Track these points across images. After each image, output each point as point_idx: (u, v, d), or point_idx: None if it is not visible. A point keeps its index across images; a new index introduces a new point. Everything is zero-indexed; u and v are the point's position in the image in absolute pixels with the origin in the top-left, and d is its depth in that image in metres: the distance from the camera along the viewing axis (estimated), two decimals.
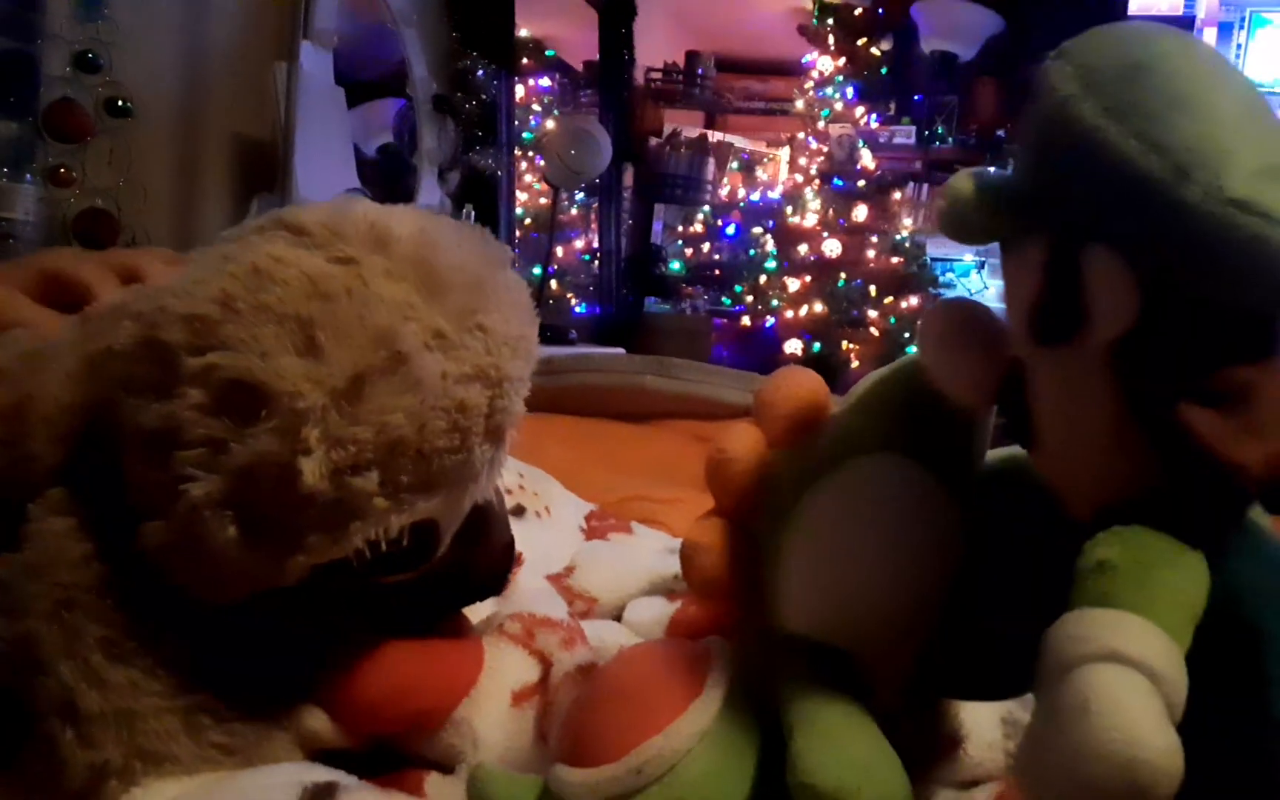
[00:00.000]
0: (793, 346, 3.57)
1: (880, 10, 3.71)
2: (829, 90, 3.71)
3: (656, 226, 4.12)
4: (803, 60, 3.80)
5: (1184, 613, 0.34)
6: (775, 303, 3.70)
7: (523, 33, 3.39)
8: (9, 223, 1.84)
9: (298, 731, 0.48)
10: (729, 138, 4.22)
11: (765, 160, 4.14)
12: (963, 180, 0.40)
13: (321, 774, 0.45)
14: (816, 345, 3.54)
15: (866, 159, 3.64)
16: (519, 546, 0.67)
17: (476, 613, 0.59)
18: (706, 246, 4.11)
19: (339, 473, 0.42)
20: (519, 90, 3.46)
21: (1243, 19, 3.33)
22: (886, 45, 3.76)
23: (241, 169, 2.17)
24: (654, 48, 3.97)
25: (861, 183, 3.62)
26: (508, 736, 0.51)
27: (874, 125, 3.72)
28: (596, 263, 3.75)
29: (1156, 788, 0.30)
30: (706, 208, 4.16)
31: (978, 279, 3.59)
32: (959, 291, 3.52)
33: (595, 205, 3.76)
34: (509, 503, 0.77)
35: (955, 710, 0.53)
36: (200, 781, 0.45)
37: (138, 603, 0.45)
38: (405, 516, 0.45)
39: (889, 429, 0.46)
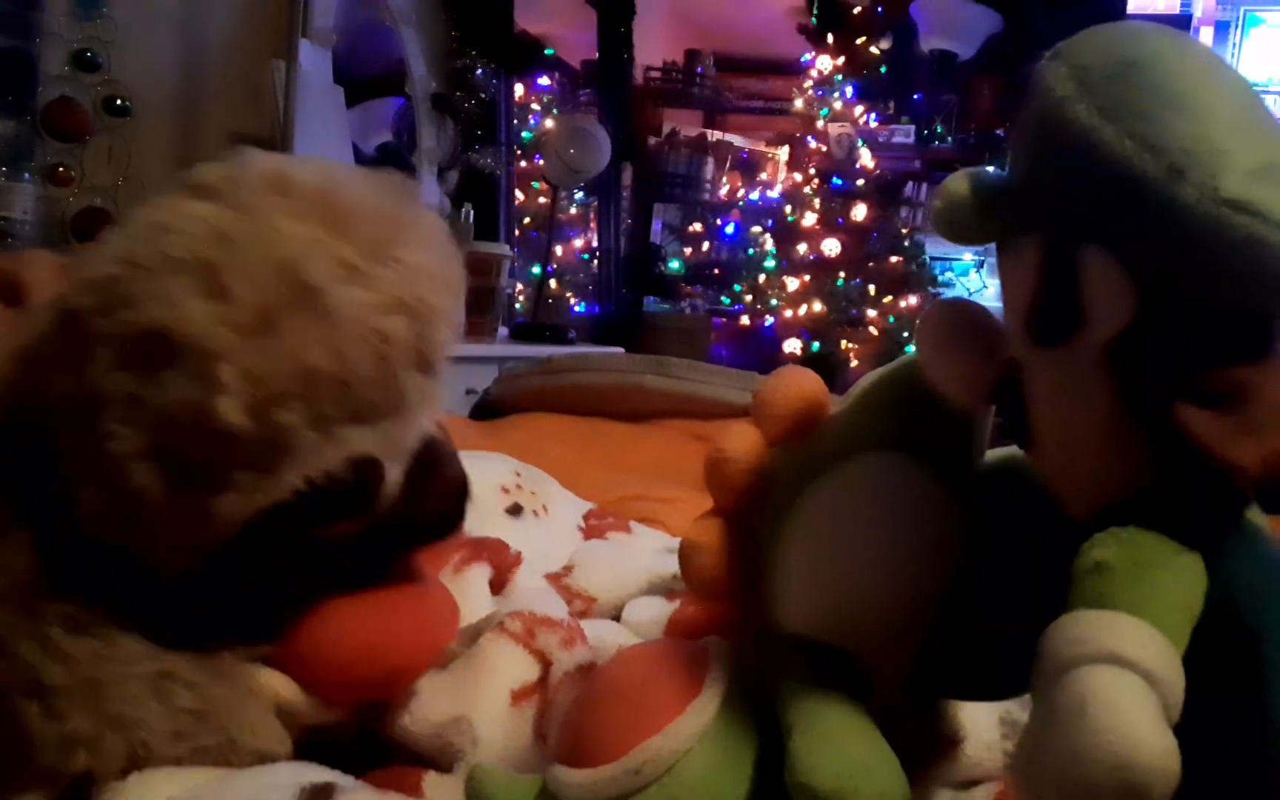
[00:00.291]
0: (792, 346, 3.56)
1: (879, 9, 3.71)
2: (829, 89, 3.71)
3: (656, 225, 4.12)
4: (802, 59, 3.80)
5: (1181, 614, 0.34)
6: (774, 302, 3.69)
7: (522, 31, 3.39)
8: (7, 221, 1.84)
9: (271, 699, 0.48)
10: (728, 137, 4.22)
11: (765, 160, 4.14)
12: (958, 180, 0.40)
13: (319, 775, 0.45)
14: (816, 344, 3.54)
15: (866, 158, 3.64)
16: (516, 546, 0.67)
17: (477, 612, 0.59)
18: (706, 246, 4.11)
19: (259, 408, 0.42)
20: (518, 89, 3.46)
21: (1239, 18, 3.33)
22: (886, 44, 3.76)
23: None
24: (653, 47, 3.97)
25: (861, 182, 3.62)
26: (507, 735, 0.51)
27: (873, 124, 3.72)
28: (596, 262, 3.75)
29: (1152, 789, 0.30)
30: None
31: (977, 278, 3.59)
32: (958, 291, 3.52)
33: (594, 204, 3.75)
34: (505, 501, 0.77)
35: (954, 710, 0.53)
36: (198, 781, 0.45)
37: (91, 575, 0.45)
38: (339, 449, 0.45)
39: (888, 428, 0.46)
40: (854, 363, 3.45)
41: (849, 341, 3.53)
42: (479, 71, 3.01)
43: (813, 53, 3.79)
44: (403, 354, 0.46)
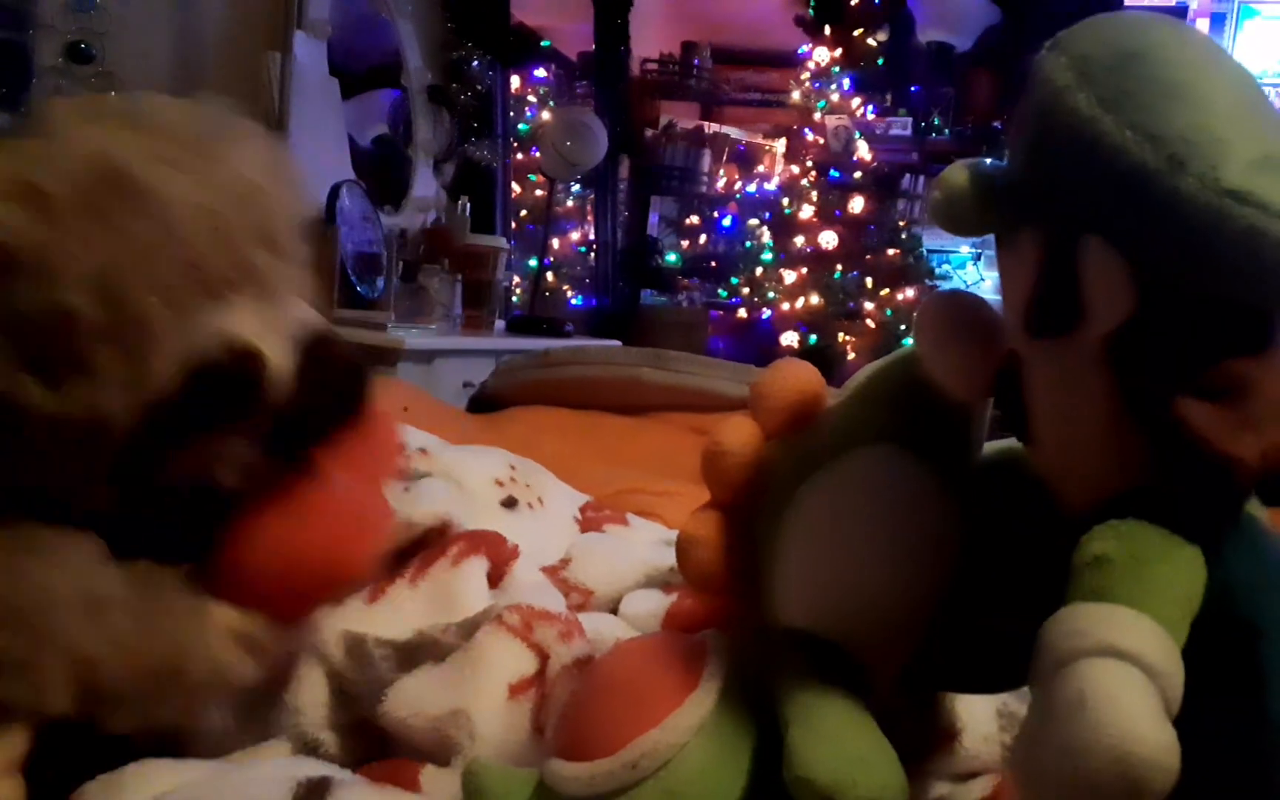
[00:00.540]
0: (789, 339, 3.56)
1: (876, 0, 3.70)
2: (826, 82, 3.70)
3: (652, 218, 4.11)
4: (799, 51, 3.79)
5: (1180, 608, 0.34)
6: (772, 295, 3.69)
7: (518, 23, 3.38)
8: None
9: (224, 630, 0.48)
10: (725, 129, 4.21)
11: (762, 152, 4.13)
12: (957, 172, 0.40)
13: (316, 769, 0.45)
14: (813, 337, 3.54)
15: (863, 150, 3.63)
16: (512, 539, 0.67)
17: (474, 605, 0.58)
18: (703, 238, 4.11)
19: (103, 291, 0.44)
20: (514, 81, 3.45)
21: (1234, 9, 3.32)
22: (883, 36, 3.75)
23: None
24: (650, 38, 3.96)
25: (858, 174, 3.62)
26: (504, 729, 0.51)
27: (870, 116, 3.71)
28: (593, 255, 3.75)
29: (1151, 782, 0.30)
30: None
31: (974, 271, 3.58)
32: (956, 283, 3.52)
33: (591, 197, 3.75)
34: (500, 494, 0.77)
35: (952, 703, 0.53)
36: (194, 776, 0.45)
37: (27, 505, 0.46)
38: (199, 326, 0.46)
39: (886, 421, 0.46)
40: (851, 356, 3.45)
41: (846, 334, 3.53)
42: (475, 63, 2.99)
43: (810, 45, 3.79)
44: (241, 230, 0.48)
